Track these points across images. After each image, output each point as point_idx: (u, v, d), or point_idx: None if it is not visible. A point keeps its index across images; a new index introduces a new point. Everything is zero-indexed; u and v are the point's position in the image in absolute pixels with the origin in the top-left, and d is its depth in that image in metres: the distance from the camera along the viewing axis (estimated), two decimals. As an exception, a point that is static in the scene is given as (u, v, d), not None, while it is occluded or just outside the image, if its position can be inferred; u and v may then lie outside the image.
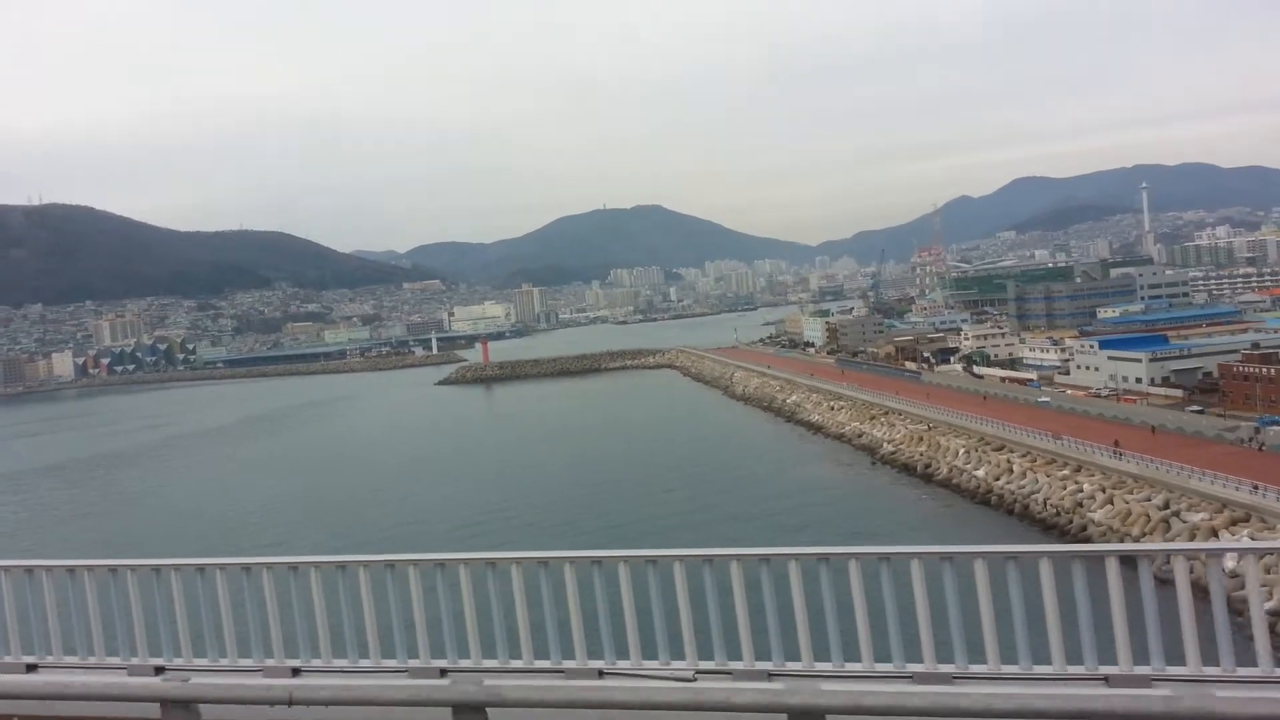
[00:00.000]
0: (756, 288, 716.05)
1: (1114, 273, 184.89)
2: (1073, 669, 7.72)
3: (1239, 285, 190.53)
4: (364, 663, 9.33)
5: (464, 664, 9.05)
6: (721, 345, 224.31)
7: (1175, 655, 7.49)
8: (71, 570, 10.02)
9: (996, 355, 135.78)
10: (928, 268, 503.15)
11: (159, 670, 9.59)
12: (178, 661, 9.81)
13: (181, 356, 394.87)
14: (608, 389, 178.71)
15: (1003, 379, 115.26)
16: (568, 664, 8.82)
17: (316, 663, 9.40)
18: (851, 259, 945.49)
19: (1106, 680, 7.56)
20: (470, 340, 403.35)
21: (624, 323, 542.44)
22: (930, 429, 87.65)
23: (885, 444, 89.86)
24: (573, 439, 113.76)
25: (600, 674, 8.59)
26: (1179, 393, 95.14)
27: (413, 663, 9.14)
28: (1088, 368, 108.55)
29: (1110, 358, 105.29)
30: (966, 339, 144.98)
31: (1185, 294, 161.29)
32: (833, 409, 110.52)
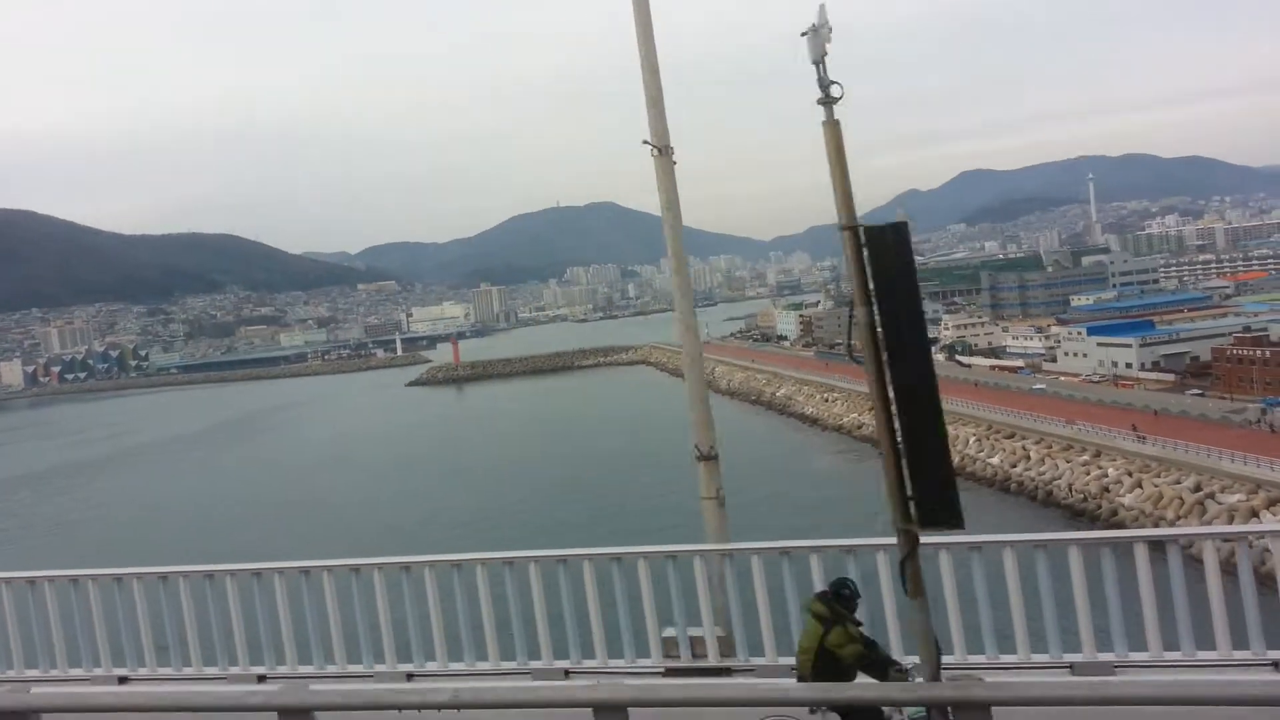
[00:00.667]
0: (714, 283, 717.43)
1: (1085, 260, 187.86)
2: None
3: (1199, 271, 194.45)
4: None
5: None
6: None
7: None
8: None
9: (977, 345, 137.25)
10: (935, 258, 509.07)
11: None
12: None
13: (134, 363, 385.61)
14: (586, 387, 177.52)
15: (991, 367, 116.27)
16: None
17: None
18: (805, 254, 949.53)
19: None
20: (431, 341, 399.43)
21: (585, 320, 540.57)
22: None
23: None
24: (569, 440, 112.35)
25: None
26: (1170, 377, 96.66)
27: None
28: (1075, 354, 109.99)
29: (1099, 344, 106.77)
30: (946, 329, 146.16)
31: (1155, 281, 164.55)
32: (827, 401, 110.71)
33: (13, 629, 9.96)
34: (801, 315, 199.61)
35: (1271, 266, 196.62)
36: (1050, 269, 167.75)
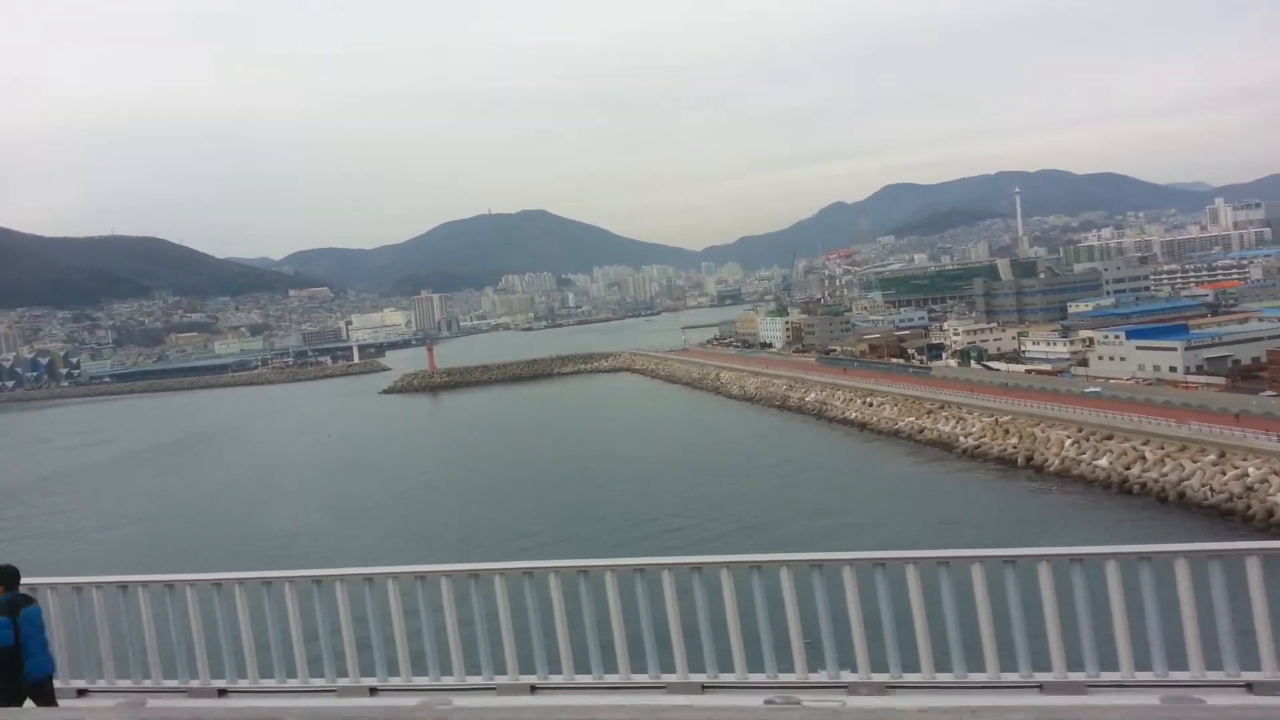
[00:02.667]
0: (653, 293, 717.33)
1: (1078, 267, 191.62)
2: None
3: (1176, 282, 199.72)
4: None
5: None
6: (670, 348, 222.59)
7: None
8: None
9: (992, 350, 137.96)
10: (853, 270, 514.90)
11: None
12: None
13: (65, 371, 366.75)
14: (578, 395, 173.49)
15: (1027, 371, 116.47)
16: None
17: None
18: (737, 264, 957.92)
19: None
20: (379, 349, 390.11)
21: (529, 329, 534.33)
22: (1011, 420, 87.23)
23: (962, 438, 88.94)
24: (600, 452, 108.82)
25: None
26: (1220, 380, 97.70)
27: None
28: (1112, 358, 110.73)
29: (1139, 347, 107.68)
30: (956, 334, 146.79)
31: (1147, 288, 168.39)
32: (870, 405, 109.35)
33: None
34: (790, 322, 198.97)
35: (1236, 276, 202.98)
36: (1044, 275, 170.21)
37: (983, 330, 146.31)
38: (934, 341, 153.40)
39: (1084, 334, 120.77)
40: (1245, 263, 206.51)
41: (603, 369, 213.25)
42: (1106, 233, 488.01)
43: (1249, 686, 7.19)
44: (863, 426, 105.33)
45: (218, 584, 9.45)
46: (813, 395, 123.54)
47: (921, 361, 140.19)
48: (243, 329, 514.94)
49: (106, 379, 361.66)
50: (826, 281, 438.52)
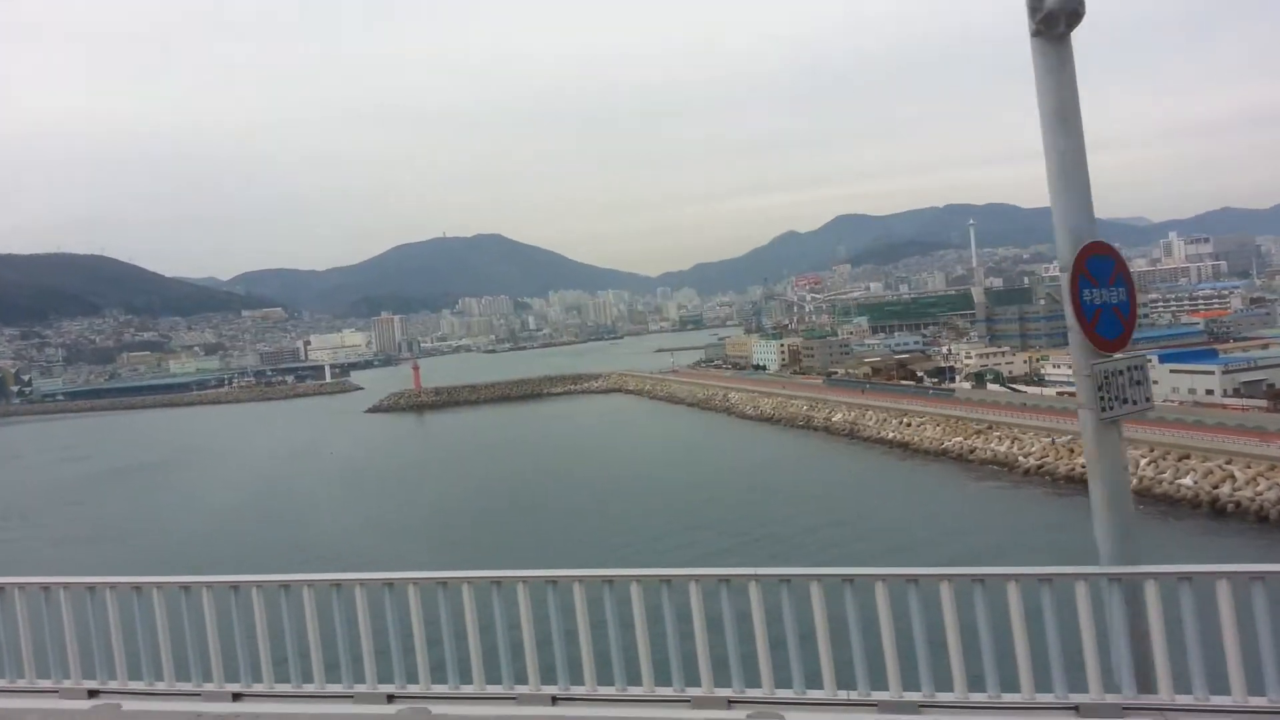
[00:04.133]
0: (614, 317, 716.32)
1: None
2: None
3: (1160, 310, 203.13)
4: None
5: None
6: (659, 369, 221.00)
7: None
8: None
9: (1006, 373, 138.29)
10: (814, 297, 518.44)
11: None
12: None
13: (16, 389, 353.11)
14: (578, 415, 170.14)
15: (1058, 394, 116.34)
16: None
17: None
18: (693, 290, 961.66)
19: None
20: (344, 369, 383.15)
21: (493, 351, 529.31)
22: (1071, 440, 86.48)
23: (1021, 458, 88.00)
24: (639, 474, 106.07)
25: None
26: (1262, 403, 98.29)
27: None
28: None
29: (1172, 370, 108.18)
30: (969, 358, 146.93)
31: (1146, 315, 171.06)
32: (909, 425, 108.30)
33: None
34: (789, 345, 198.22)
35: (1218, 305, 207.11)
36: (1043, 301, 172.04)
37: (994, 354, 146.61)
38: (943, 365, 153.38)
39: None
40: (1226, 293, 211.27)
41: (594, 389, 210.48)
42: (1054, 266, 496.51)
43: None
44: (904, 447, 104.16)
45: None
46: (839, 415, 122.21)
47: (936, 384, 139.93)
48: (196, 348, 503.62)
49: (60, 396, 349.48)
50: (796, 308, 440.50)
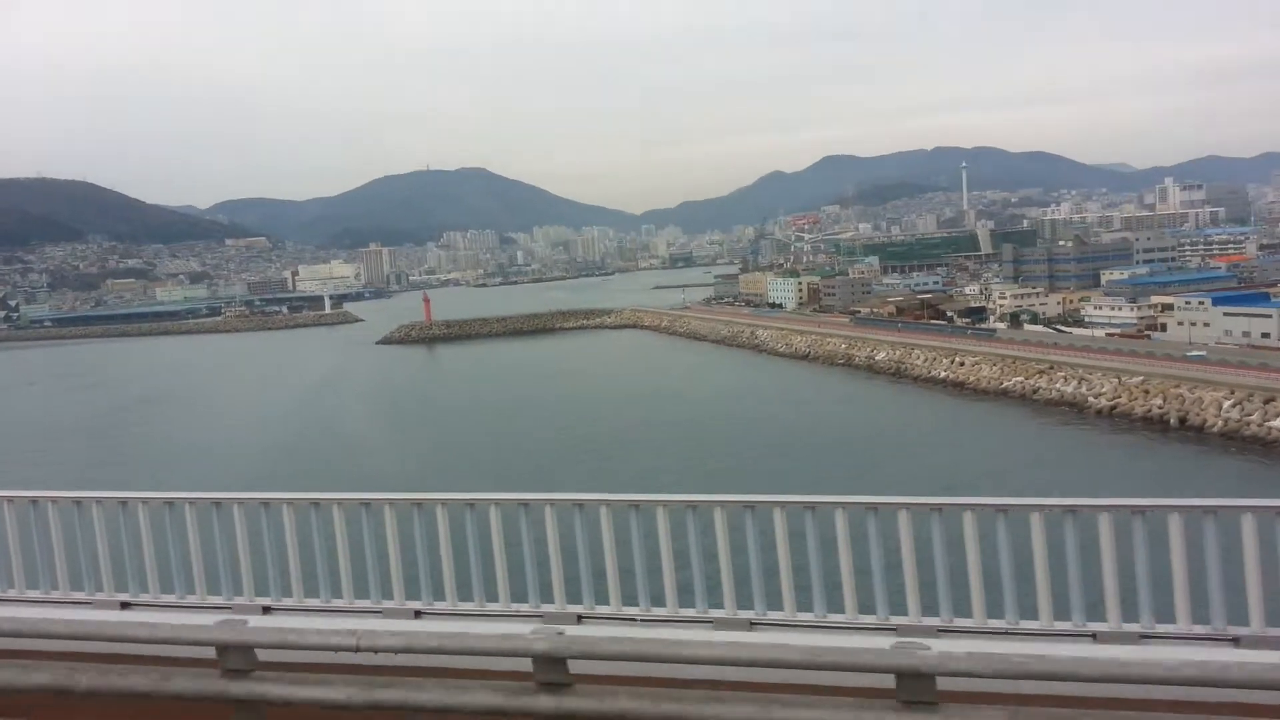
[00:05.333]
0: (602, 253, 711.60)
1: (1107, 236, 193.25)
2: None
3: (1186, 253, 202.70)
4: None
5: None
6: (671, 305, 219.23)
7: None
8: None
9: (1043, 314, 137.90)
10: (804, 236, 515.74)
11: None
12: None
13: (3, 314, 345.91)
14: (600, 350, 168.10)
15: (1108, 334, 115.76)
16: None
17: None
18: (677, 228, 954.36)
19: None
20: (339, 300, 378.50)
21: (484, 285, 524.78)
22: (1143, 381, 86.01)
23: (1092, 399, 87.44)
24: (698, 414, 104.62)
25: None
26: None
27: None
28: (1194, 324, 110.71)
29: (1226, 314, 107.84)
30: (1003, 298, 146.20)
31: (1174, 259, 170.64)
32: (961, 364, 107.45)
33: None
34: (809, 283, 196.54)
35: (1234, 250, 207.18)
36: (1069, 243, 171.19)
37: (1028, 295, 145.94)
38: (974, 305, 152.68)
39: (1156, 299, 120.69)
40: (1241, 239, 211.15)
41: (607, 325, 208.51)
42: (1066, 207, 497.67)
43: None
44: (958, 386, 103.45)
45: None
46: (882, 354, 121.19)
47: (970, 324, 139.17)
48: (181, 277, 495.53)
49: (47, 323, 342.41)
50: (794, 246, 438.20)
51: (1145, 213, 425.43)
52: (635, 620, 8.60)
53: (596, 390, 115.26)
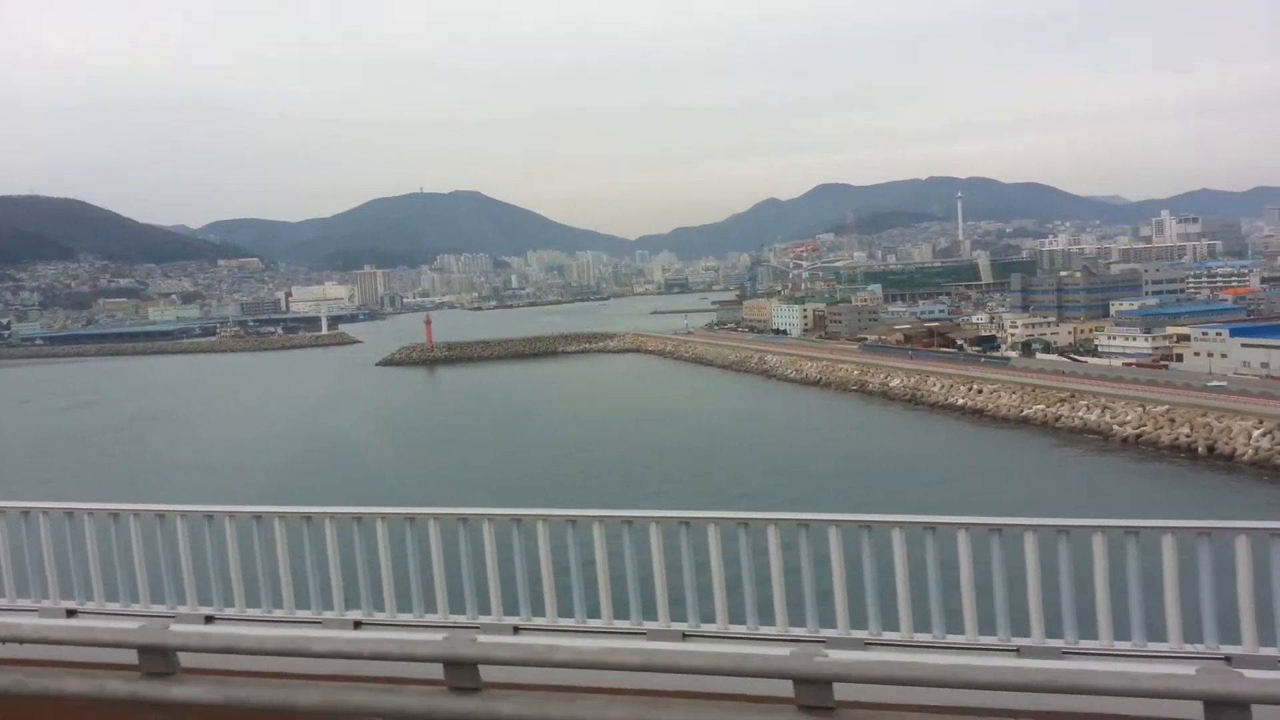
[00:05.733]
0: (597, 277, 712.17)
1: (1112, 268, 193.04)
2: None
3: (1190, 286, 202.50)
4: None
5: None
6: (674, 330, 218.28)
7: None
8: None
9: (1055, 343, 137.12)
10: (800, 264, 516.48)
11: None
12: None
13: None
14: (605, 375, 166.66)
15: (1125, 364, 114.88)
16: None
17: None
18: (671, 254, 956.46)
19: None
20: (334, 321, 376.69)
21: (479, 309, 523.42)
22: (1168, 410, 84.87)
23: (1116, 426, 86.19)
24: (724, 437, 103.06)
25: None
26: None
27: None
28: (1211, 355, 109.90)
29: (1244, 345, 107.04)
30: (1014, 327, 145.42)
31: (1183, 290, 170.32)
32: (980, 392, 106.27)
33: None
34: (813, 310, 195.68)
35: (1236, 283, 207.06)
36: (1079, 274, 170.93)
37: (1039, 324, 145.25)
38: (984, 333, 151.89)
39: (1171, 330, 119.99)
40: (1245, 272, 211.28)
41: (610, 349, 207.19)
42: (1064, 238, 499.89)
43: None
44: (977, 413, 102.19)
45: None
46: (897, 381, 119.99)
47: (981, 352, 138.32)
48: (174, 296, 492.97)
49: (39, 341, 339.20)
50: (793, 274, 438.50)
51: (1141, 245, 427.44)
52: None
53: (607, 415, 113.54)
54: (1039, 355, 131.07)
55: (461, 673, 6.63)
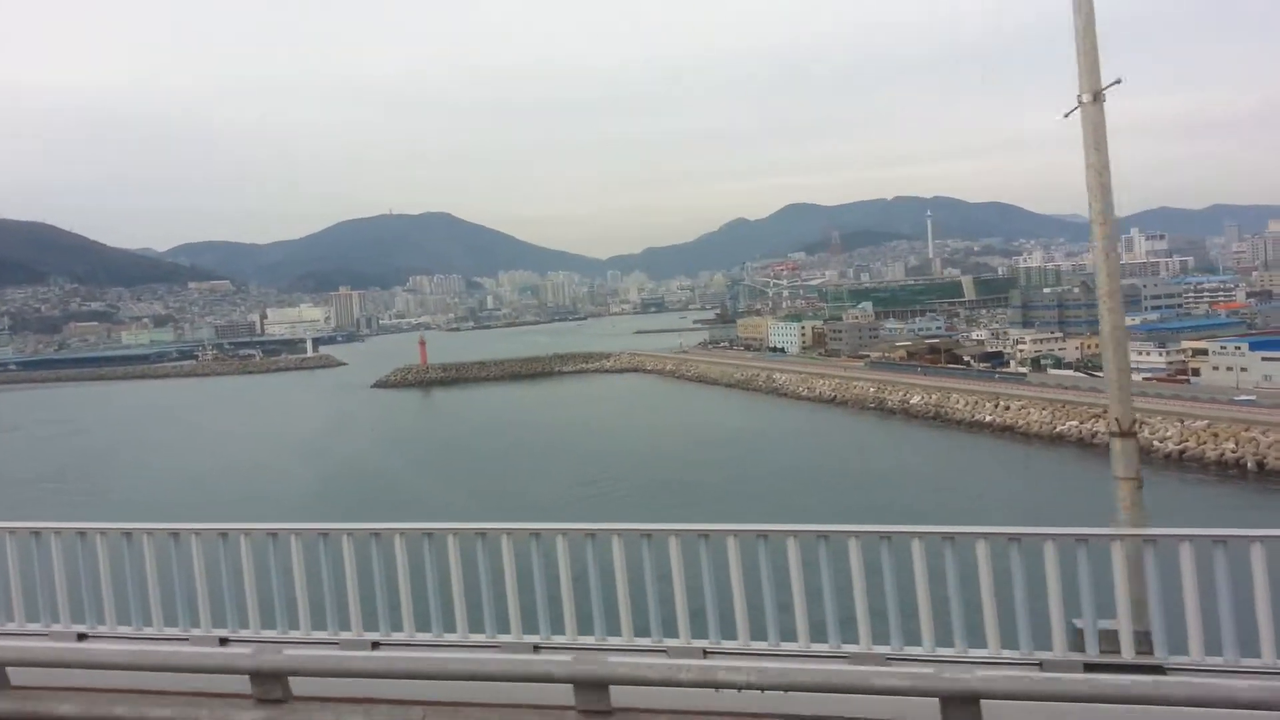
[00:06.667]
0: (573, 298, 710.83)
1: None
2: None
3: (1190, 300, 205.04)
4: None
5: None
6: (670, 349, 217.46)
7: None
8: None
9: (1065, 359, 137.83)
10: (776, 282, 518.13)
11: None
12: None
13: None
14: (608, 395, 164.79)
15: (1146, 379, 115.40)
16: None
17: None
18: (643, 274, 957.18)
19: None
20: (315, 343, 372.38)
21: (456, 330, 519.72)
22: (1209, 425, 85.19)
23: (1157, 442, 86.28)
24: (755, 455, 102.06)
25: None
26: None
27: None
28: (1230, 369, 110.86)
29: (1265, 358, 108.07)
30: (1023, 343, 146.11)
31: (1181, 305, 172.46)
32: (1007, 408, 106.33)
33: None
34: (813, 327, 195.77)
35: (1224, 298, 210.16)
36: (1077, 290, 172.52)
37: (1046, 340, 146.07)
38: (990, 350, 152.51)
39: (1186, 344, 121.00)
40: (1231, 286, 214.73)
41: (608, 369, 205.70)
42: (1039, 255, 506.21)
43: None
44: (1007, 431, 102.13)
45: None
46: (917, 398, 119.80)
47: (989, 368, 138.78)
48: (145, 320, 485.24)
49: (12, 366, 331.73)
50: (773, 292, 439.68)
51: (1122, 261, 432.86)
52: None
53: (628, 434, 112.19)
54: (1050, 370, 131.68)
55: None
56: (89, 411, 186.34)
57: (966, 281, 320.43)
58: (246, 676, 7.27)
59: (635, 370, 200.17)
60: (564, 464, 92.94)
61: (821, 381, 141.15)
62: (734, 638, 8.48)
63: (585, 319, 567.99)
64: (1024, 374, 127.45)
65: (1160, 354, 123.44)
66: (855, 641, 8.18)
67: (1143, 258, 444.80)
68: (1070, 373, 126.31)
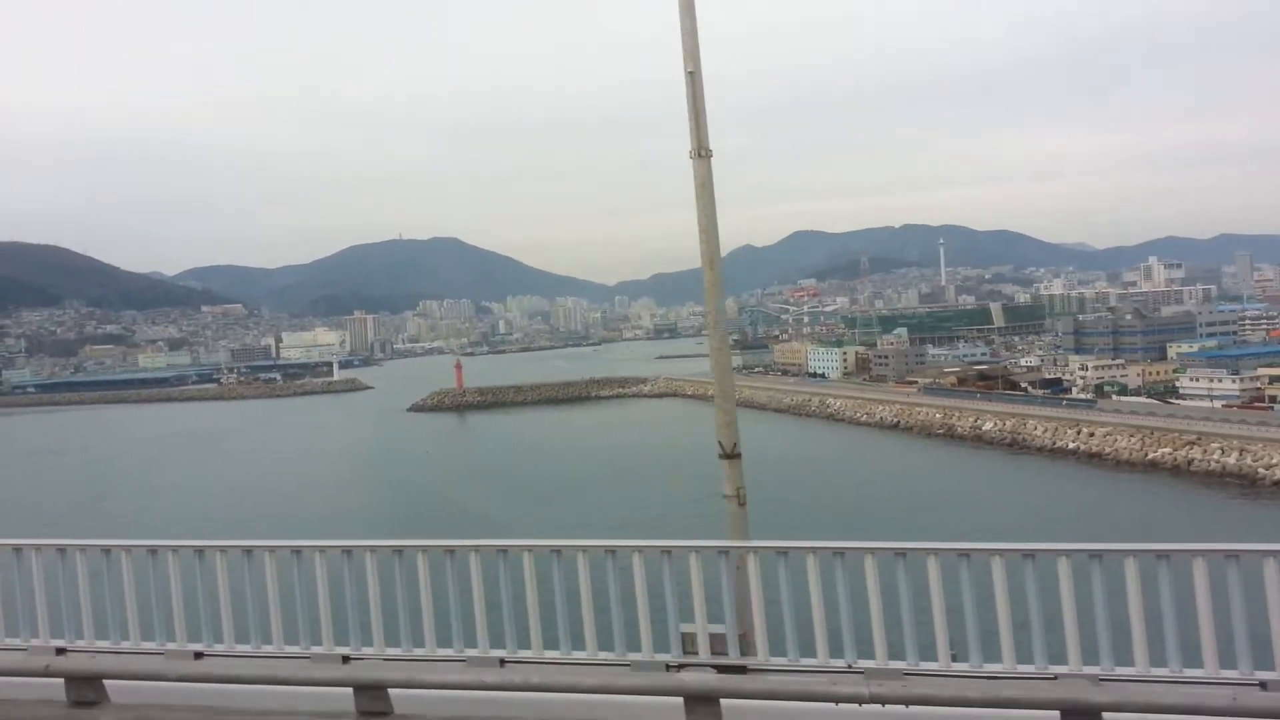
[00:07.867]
0: (587, 323, 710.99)
1: (1165, 310, 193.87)
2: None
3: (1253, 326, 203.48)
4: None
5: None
6: (696, 375, 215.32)
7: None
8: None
9: (1128, 386, 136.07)
10: (788, 307, 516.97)
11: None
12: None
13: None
14: (656, 422, 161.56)
15: (1225, 405, 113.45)
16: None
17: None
18: (651, 299, 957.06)
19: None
20: (329, 367, 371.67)
21: (470, 354, 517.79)
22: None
23: (1262, 470, 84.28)
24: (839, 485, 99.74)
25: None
26: None
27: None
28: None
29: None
30: (1084, 370, 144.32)
31: (1235, 332, 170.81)
32: (1091, 435, 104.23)
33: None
34: (858, 353, 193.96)
35: (1265, 326, 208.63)
36: (1129, 317, 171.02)
37: (1108, 366, 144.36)
38: (1047, 376, 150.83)
39: (1262, 371, 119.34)
40: (1275, 314, 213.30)
41: (645, 393, 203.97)
42: (1058, 284, 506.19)
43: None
44: (1094, 457, 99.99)
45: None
46: (990, 424, 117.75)
47: (1049, 394, 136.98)
48: (161, 343, 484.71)
49: (31, 389, 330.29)
50: (793, 318, 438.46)
51: (1121, 290, 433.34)
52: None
53: (706, 459, 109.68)
54: (1115, 397, 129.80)
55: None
56: (123, 435, 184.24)
57: (995, 308, 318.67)
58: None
59: (674, 395, 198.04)
60: (665, 485, 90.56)
61: (881, 407, 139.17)
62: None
63: (599, 344, 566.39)
64: (1091, 400, 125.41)
65: (1234, 380, 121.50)
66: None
67: (1163, 286, 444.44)
68: (1144, 399, 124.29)
